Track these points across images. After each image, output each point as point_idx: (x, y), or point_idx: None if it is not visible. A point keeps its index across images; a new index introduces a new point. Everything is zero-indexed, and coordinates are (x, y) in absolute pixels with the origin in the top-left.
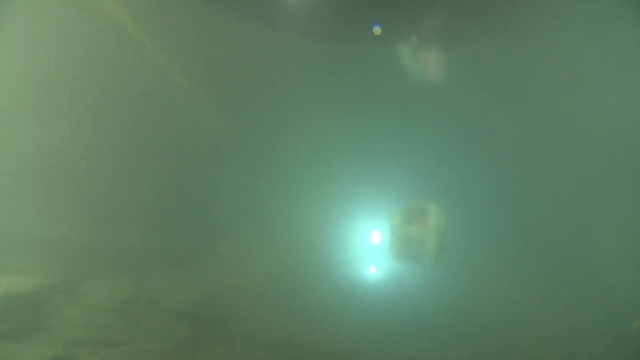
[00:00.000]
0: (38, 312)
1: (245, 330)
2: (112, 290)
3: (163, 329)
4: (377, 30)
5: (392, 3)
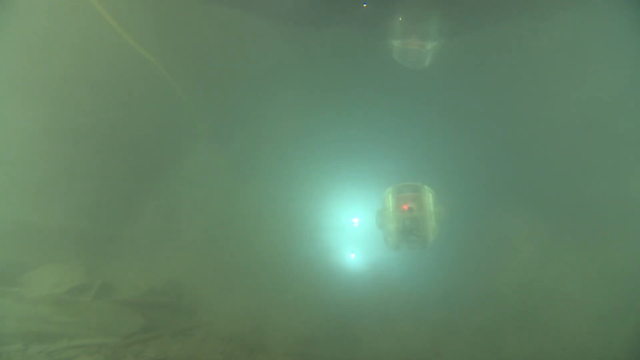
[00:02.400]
0: None
1: (204, 322)
2: (58, 279)
3: (112, 321)
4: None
5: None
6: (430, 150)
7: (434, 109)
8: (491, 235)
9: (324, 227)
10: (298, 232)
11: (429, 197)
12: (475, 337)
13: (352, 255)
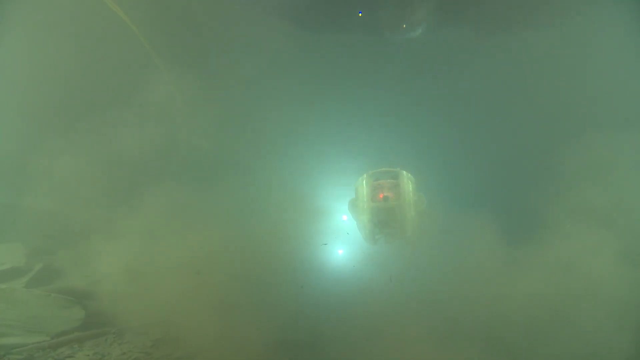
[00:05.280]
0: None
1: (163, 319)
2: None
3: (42, 315)
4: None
5: None
6: (418, 136)
7: (423, 94)
8: (483, 227)
9: (312, 221)
10: (283, 225)
11: (408, 185)
12: (472, 338)
13: (340, 252)
